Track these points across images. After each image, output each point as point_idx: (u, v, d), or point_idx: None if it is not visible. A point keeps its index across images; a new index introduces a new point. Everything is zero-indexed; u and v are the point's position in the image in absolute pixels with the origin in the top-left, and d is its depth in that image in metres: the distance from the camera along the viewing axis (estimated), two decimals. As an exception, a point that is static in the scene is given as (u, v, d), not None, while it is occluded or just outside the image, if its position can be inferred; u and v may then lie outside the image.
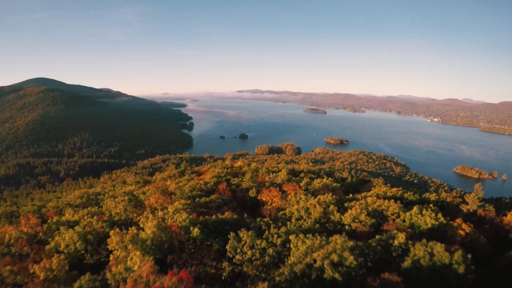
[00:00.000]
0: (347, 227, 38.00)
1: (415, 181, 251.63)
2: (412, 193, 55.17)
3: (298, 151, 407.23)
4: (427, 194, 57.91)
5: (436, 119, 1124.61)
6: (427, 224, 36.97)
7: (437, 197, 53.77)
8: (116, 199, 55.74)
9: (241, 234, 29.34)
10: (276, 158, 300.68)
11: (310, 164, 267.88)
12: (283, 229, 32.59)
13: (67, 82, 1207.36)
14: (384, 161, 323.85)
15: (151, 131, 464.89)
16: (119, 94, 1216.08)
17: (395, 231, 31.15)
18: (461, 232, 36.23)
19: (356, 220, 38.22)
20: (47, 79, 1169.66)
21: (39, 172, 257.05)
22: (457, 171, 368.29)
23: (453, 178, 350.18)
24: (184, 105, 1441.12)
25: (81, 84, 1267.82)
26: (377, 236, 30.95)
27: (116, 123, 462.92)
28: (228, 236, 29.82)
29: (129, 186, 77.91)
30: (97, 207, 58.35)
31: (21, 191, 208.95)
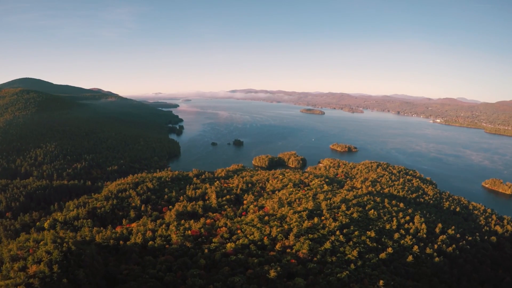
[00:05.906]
0: None
1: (457, 210, 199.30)
2: None
3: (303, 162, 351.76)
4: None
5: (438, 120, 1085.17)
6: None
7: None
8: None
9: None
10: (281, 177, 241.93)
11: (326, 187, 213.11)
12: None
13: (54, 83, 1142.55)
14: (408, 177, 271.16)
15: (132, 138, 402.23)
16: (107, 94, 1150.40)
17: None
18: None
19: None
20: (33, 79, 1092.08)
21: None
22: (486, 185, 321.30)
23: (482, 194, 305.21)
24: (176, 106, 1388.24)
25: (69, 84, 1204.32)
26: None
27: (91, 130, 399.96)
28: None
29: None
30: None
31: None
